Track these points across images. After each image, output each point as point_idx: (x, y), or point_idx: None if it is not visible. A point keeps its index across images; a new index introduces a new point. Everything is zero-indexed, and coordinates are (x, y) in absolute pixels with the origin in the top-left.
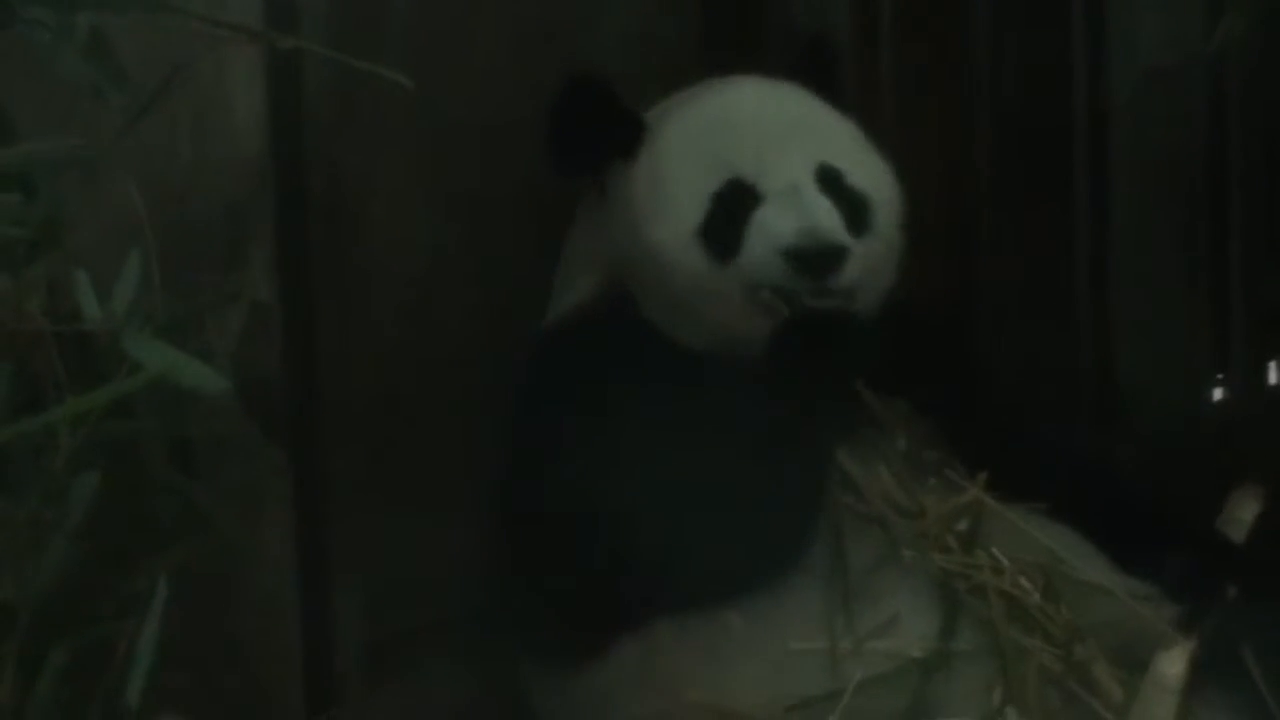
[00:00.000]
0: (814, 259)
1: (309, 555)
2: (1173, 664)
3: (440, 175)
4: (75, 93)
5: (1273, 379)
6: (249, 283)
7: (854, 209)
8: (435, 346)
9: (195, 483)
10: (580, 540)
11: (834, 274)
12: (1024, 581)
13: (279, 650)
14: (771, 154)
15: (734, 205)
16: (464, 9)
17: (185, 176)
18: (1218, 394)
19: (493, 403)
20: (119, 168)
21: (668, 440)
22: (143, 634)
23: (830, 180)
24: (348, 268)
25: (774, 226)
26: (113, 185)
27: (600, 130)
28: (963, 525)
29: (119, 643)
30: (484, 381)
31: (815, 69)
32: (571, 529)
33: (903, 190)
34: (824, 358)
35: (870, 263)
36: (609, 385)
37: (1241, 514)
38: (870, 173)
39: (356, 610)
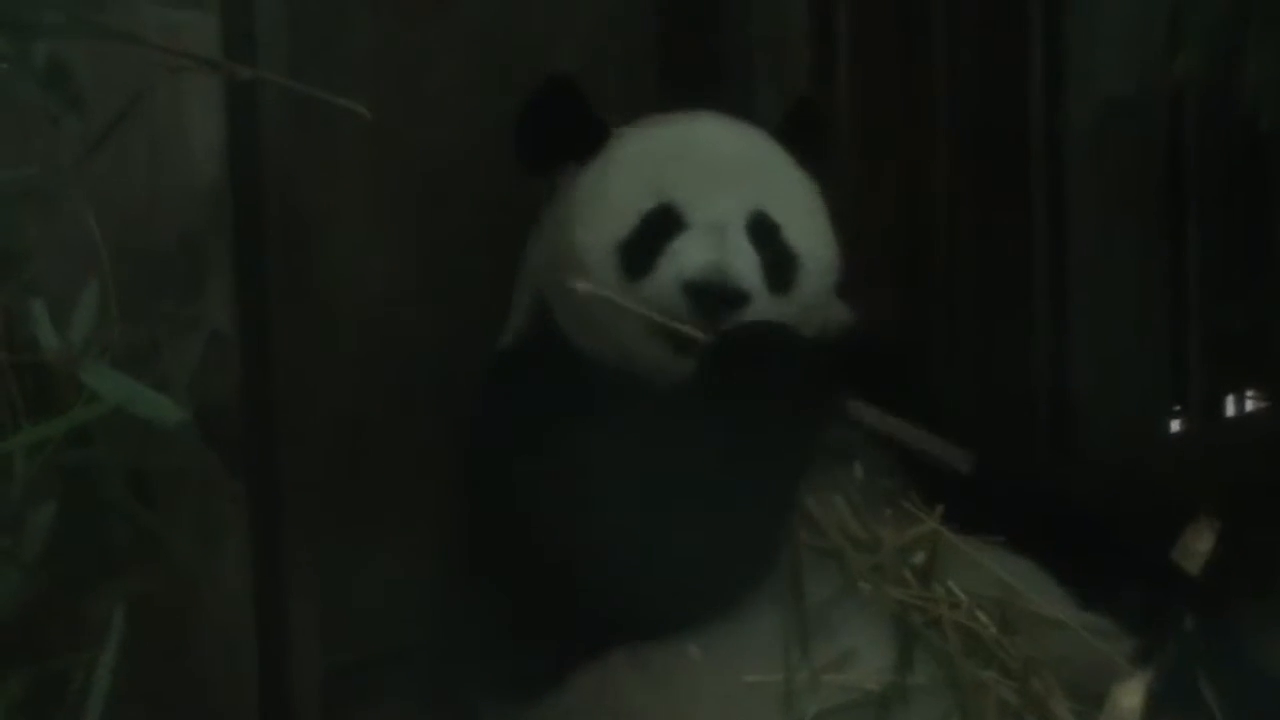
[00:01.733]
0: (712, 296)
1: (266, 585)
2: (1129, 696)
3: (398, 203)
4: (33, 121)
5: (1230, 410)
6: (207, 312)
7: (780, 264)
8: (394, 376)
9: (152, 512)
10: (532, 572)
11: (729, 316)
12: (980, 615)
13: (236, 680)
14: (708, 189)
15: (658, 228)
16: (422, 39)
17: (143, 206)
18: (1175, 425)
19: (453, 432)
20: (77, 197)
21: (615, 468)
22: (99, 664)
23: (762, 230)
24: (306, 297)
25: (683, 256)
26: (70, 214)
27: (567, 130)
28: (919, 558)
29: (75, 672)
30: (444, 410)
31: (799, 129)
32: (524, 560)
33: (842, 248)
34: (753, 379)
35: (785, 320)
36: (551, 415)
37: (1197, 545)
38: (809, 233)
39: (313, 640)
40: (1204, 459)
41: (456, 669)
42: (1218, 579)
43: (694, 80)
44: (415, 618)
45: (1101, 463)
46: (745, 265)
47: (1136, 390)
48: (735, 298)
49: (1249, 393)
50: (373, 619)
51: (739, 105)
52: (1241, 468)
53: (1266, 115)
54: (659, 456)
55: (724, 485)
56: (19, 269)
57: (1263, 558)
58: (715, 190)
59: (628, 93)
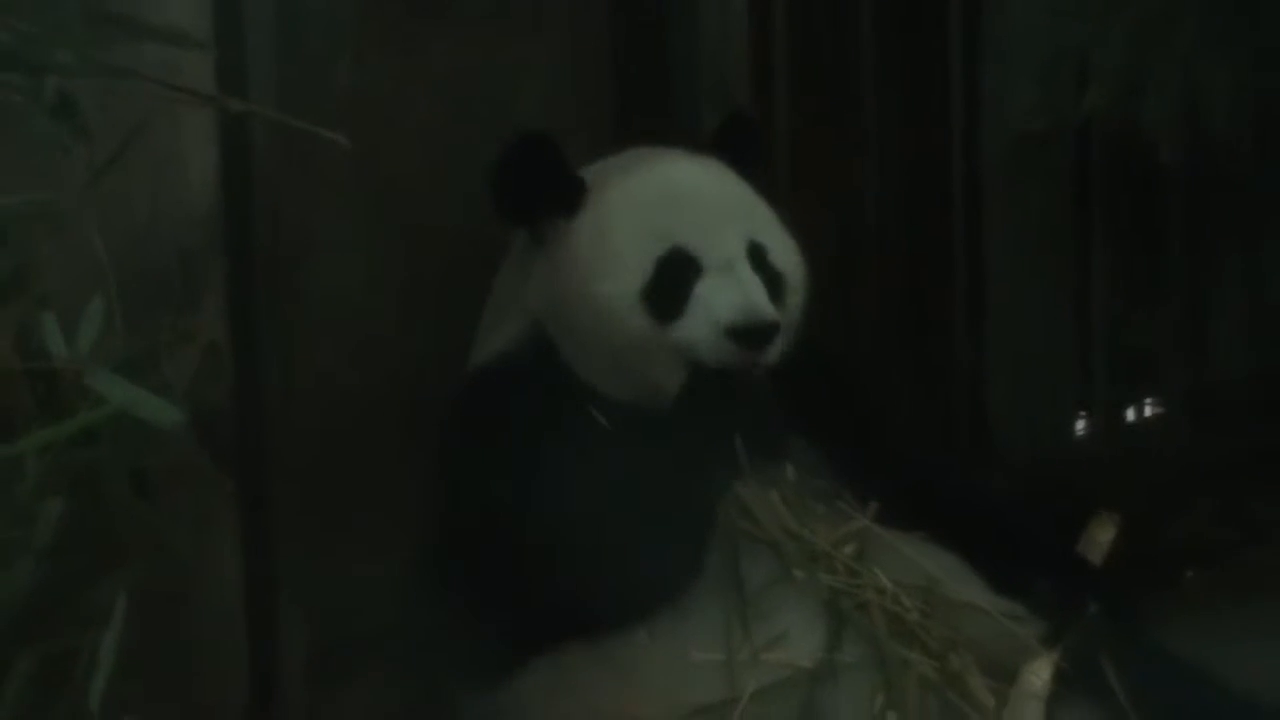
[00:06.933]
0: (752, 335)
1: (255, 574)
2: (1039, 673)
3: (378, 226)
4: (45, 150)
5: (1130, 416)
6: (202, 325)
7: (774, 285)
8: (372, 384)
9: (152, 507)
10: (498, 573)
11: (767, 348)
12: (904, 600)
13: (227, 661)
14: (711, 228)
15: (677, 273)
16: (401, 78)
17: (144, 227)
18: (1080, 429)
19: (426, 436)
20: (84, 219)
21: (580, 481)
22: (103, 644)
23: (758, 257)
24: (292, 311)
25: (715, 302)
26: (78, 235)
27: (544, 186)
28: (849, 549)
29: (82, 652)
30: (417, 416)
31: (736, 143)
32: (491, 562)
33: (803, 255)
34: (723, 411)
35: (784, 335)
36: (529, 429)
37: (1100, 538)
38: (786, 252)
39: (298, 624)
40: (1107, 460)
41: (428, 654)
42: (1119, 569)
43: (648, 118)
44: (393, 604)
45: (1014, 463)
46: (765, 298)
47: (1047, 398)
48: (770, 330)
49: (1148, 400)
50: (354, 604)
51: (688, 142)
52: (1139, 468)
53: (1165, 147)
54: (628, 471)
55: (673, 500)
56: (31, 284)
57: (1159, 548)
58: (716, 228)
59: (586, 129)
